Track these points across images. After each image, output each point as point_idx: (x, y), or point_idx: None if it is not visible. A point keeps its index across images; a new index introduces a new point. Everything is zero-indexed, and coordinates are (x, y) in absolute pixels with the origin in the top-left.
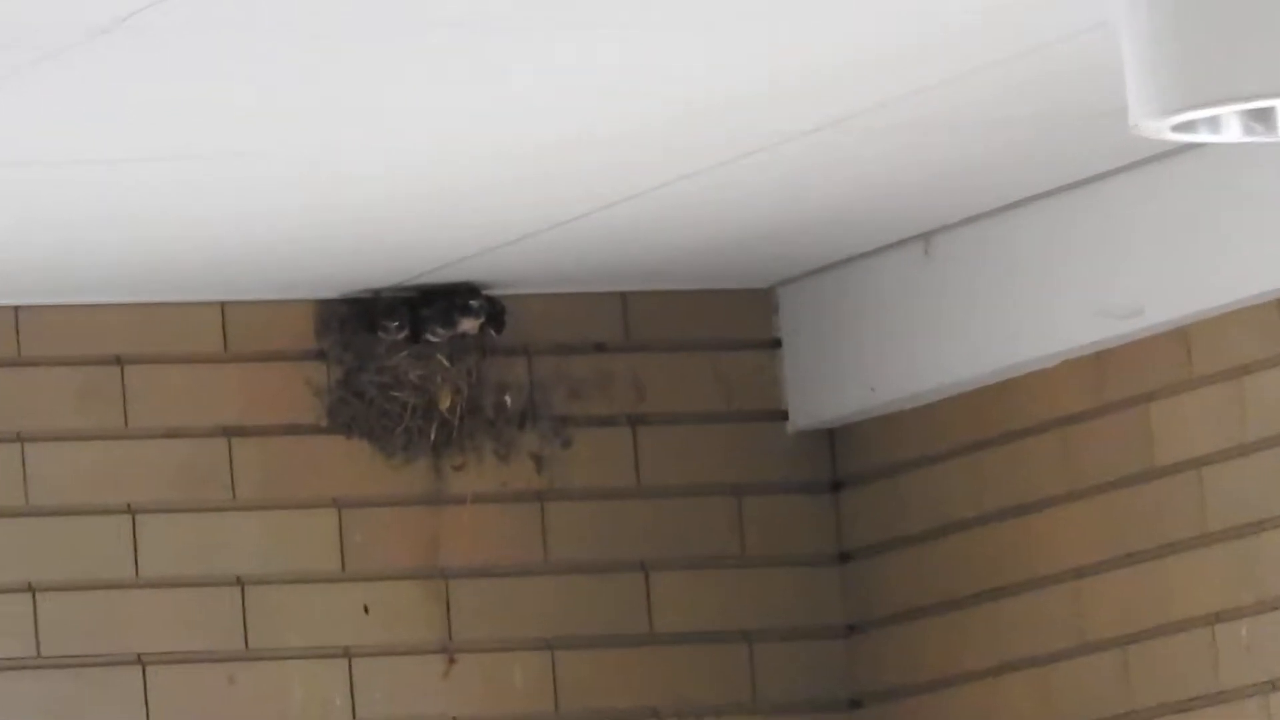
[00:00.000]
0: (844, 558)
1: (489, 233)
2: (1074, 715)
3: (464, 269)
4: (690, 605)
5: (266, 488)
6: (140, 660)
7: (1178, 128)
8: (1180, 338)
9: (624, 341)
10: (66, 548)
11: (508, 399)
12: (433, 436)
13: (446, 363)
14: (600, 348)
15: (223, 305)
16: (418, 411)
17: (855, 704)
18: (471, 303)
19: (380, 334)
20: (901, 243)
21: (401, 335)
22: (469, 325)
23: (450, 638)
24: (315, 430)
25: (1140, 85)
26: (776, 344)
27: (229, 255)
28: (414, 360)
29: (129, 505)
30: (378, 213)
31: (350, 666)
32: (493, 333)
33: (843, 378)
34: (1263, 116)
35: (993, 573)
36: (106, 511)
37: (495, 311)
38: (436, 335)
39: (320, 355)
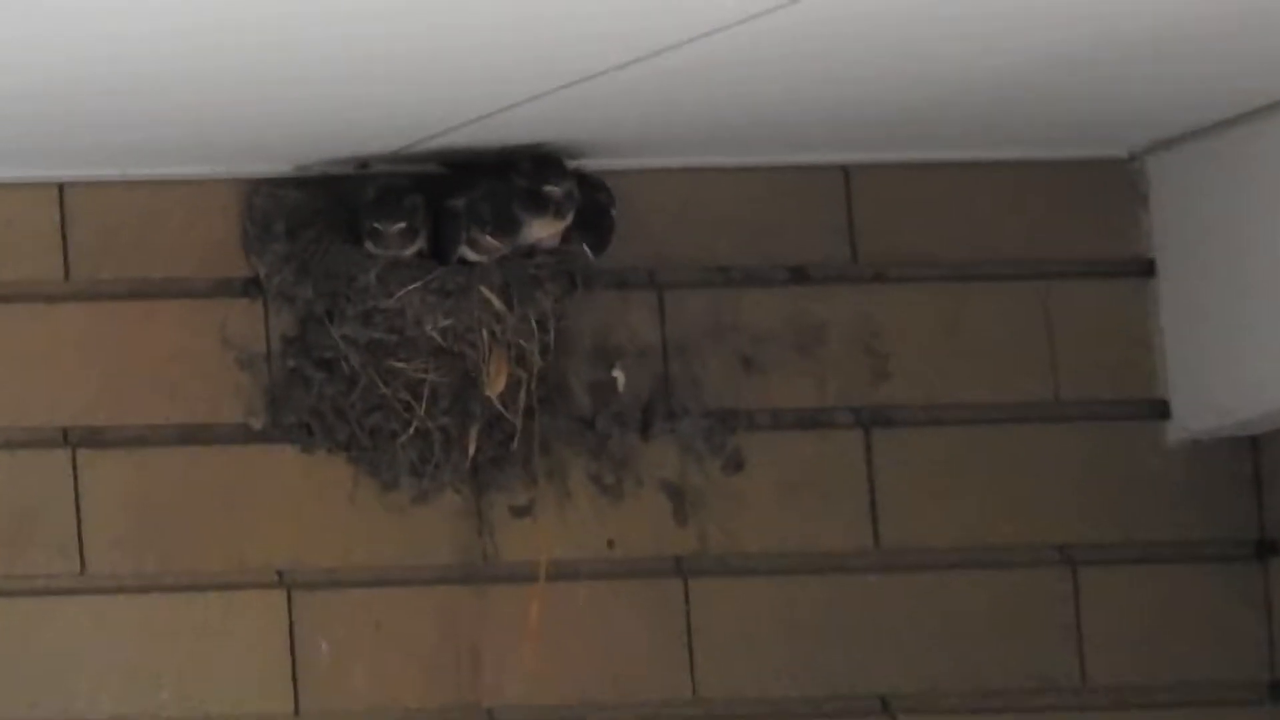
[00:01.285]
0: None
1: (577, 48)
2: None
3: (526, 119)
4: None
5: (147, 547)
6: None
7: None
8: None
9: (845, 263)
10: None
11: (618, 376)
12: (471, 450)
13: (499, 304)
14: (799, 275)
15: (60, 187)
16: (442, 401)
17: None
18: (548, 186)
19: (370, 245)
20: None
21: (411, 248)
22: (544, 229)
23: None
24: (242, 437)
25: None
26: (1148, 269)
27: (66, 87)
28: (435, 298)
29: None
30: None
31: None
32: (587, 248)
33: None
34: None
35: None
36: None
37: (594, 203)
38: (479, 249)
39: (250, 288)
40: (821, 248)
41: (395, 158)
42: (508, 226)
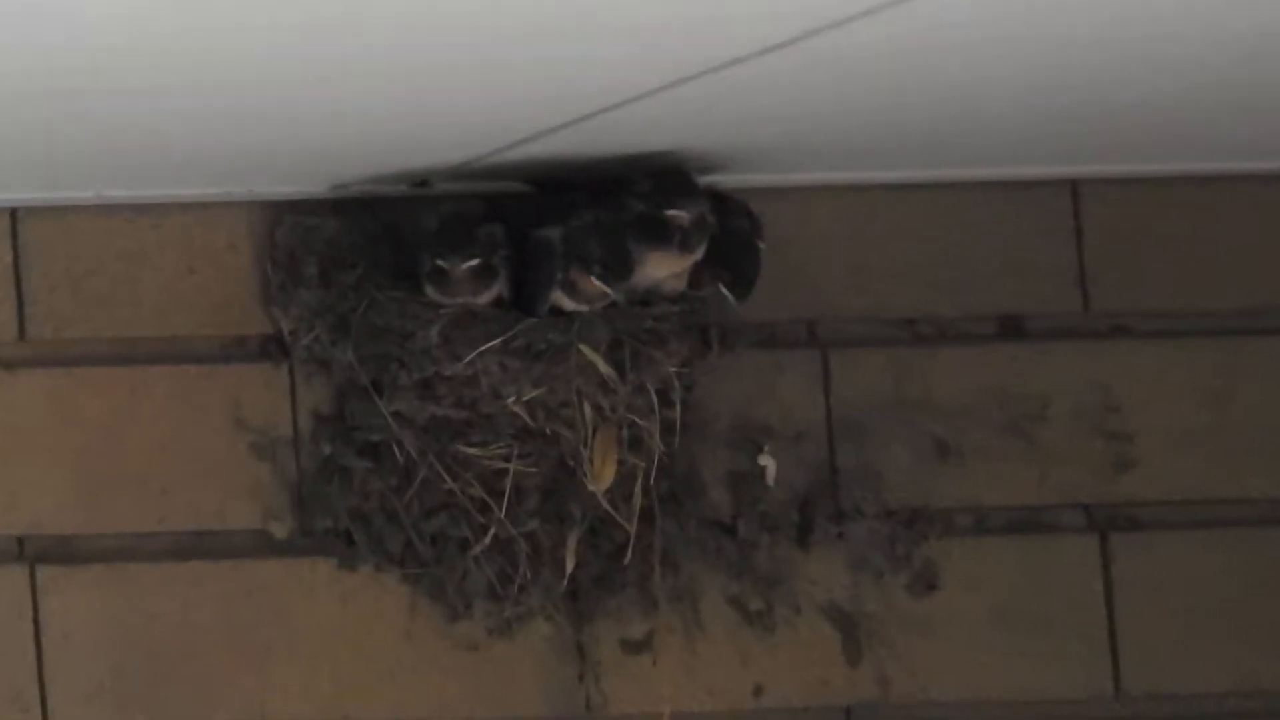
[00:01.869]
0: None
1: (706, 29)
2: None
3: (637, 121)
4: None
5: (132, 701)
6: None
7: None
8: None
9: (1073, 312)
10: None
11: (767, 465)
12: (569, 566)
13: (605, 369)
14: (1011, 329)
15: (11, 213)
16: (529, 500)
17: None
18: (672, 210)
19: (431, 290)
20: None
21: (486, 294)
22: (666, 267)
23: None
24: (260, 549)
25: None
26: None
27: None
28: (519, 362)
29: None
30: None
31: None
32: (726, 291)
33: None
34: None
35: None
36: None
37: (734, 232)
38: (579, 295)
39: (272, 349)
40: (1041, 291)
41: (463, 172)
42: (618, 265)
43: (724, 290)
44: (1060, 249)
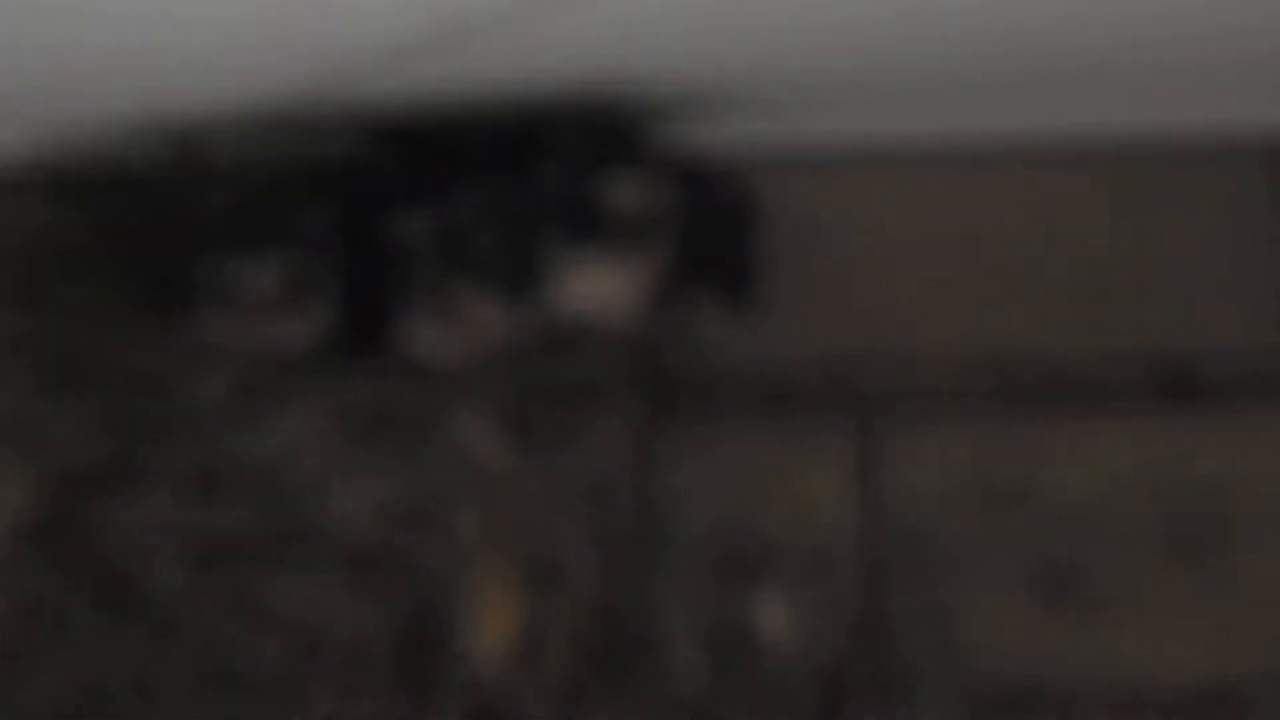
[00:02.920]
0: None
1: None
2: None
3: (558, 42)
4: None
5: None
6: None
7: None
8: None
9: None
10: None
11: (767, 613)
12: None
13: (496, 449)
14: (1177, 386)
15: None
16: (370, 672)
17: None
18: (611, 186)
19: (210, 319)
20: None
21: (301, 325)
22: (599, 282)
23: None
24: None
25: None
26: None
27: None
28: (356, 438)
29: None
30: None
31: None
32: (704, 317)
33: None
34: None
35: None
36: None
37: (710, 219)
38: (458, 326)
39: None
40: (1223, 321)
41: (271, 120)
42: (519, 277)
43: (706, 316)
44: (1255, 250)
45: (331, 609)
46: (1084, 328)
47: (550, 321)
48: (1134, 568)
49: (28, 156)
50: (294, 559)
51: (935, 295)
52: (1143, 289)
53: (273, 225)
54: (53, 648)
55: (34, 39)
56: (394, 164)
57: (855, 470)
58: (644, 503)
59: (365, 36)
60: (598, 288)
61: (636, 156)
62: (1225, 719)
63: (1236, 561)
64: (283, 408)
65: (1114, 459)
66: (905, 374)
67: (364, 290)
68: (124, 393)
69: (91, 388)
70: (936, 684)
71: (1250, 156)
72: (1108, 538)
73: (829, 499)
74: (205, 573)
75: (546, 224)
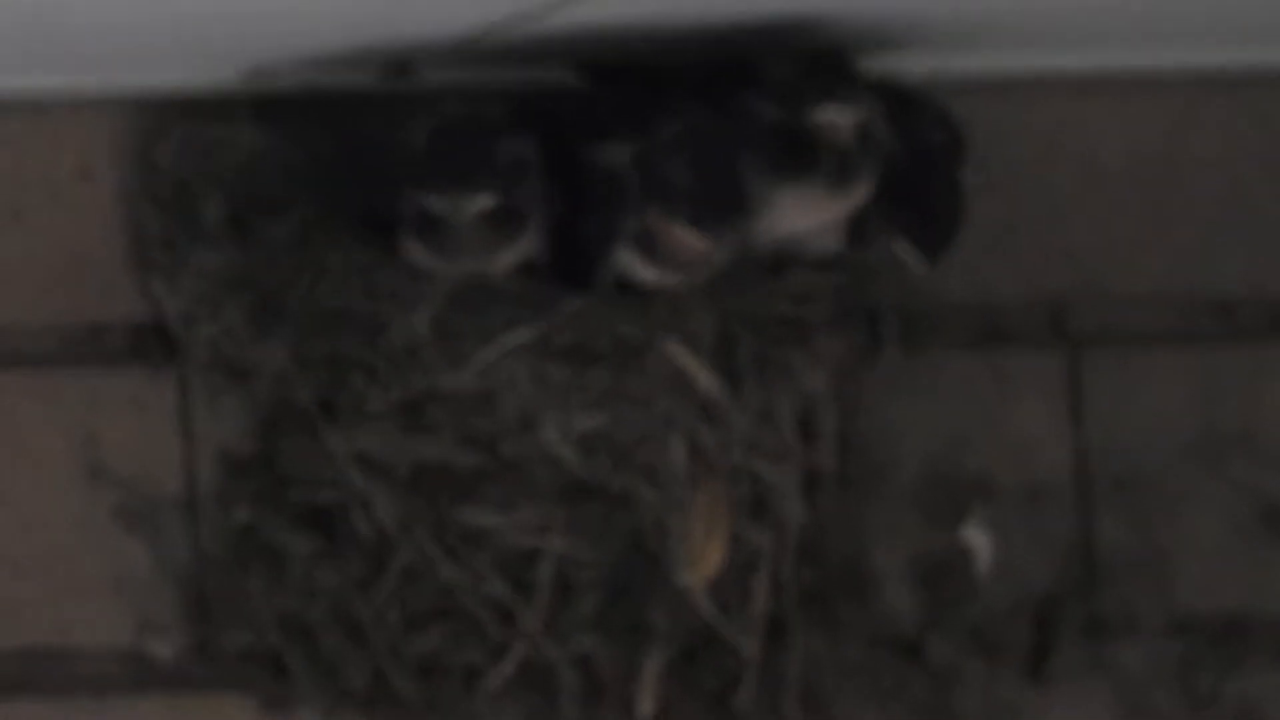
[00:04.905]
0: None
1: None
2: None
3: None
4: None
5: None
6: None
7: None
8: None
9: None
10: None
11: (977, 540)
12: (647, 707)
13: (708, 382)
14: None
15: None
16: (581, 600)
17: None
18: (822, 114)
19: (416, 249)
20: None
21: (506, 254)
22: (811, 212)
23: None
24: (132, 678)
25: None
26: None
27: None
28: (564, 370)
29: None
30: None
31: None
32: (910, 250)
33: None
34: None
35: None
36: None
37: (920, 153)
38: (663, 257)
39: (150, 346)
40: None
41: (472, 52)
42: (730, 206)
43: (905, 252)
44: None
45: (542, 541)
46: None
47: (757, 252)
48: None
49: (240, 89)
50: (501, 494)
51: (1146, 228)
52: None
53: (474, 160)
54: (258, 581)
55: None
56: (599, 94)
57: (1069, 407)
58: (853, 436)
59: None
60: (804, 220)
61: (847, 89)
62: None
63: None
64: (487, 340)
65: None
66: (1119, 312)
67: (569, 220)
68: (333, 327)
69: (302, 320)
70: (1149, 618)
71: None
72: None
73: (1040, 435)
74: (417, 504)
75: (756, 154)
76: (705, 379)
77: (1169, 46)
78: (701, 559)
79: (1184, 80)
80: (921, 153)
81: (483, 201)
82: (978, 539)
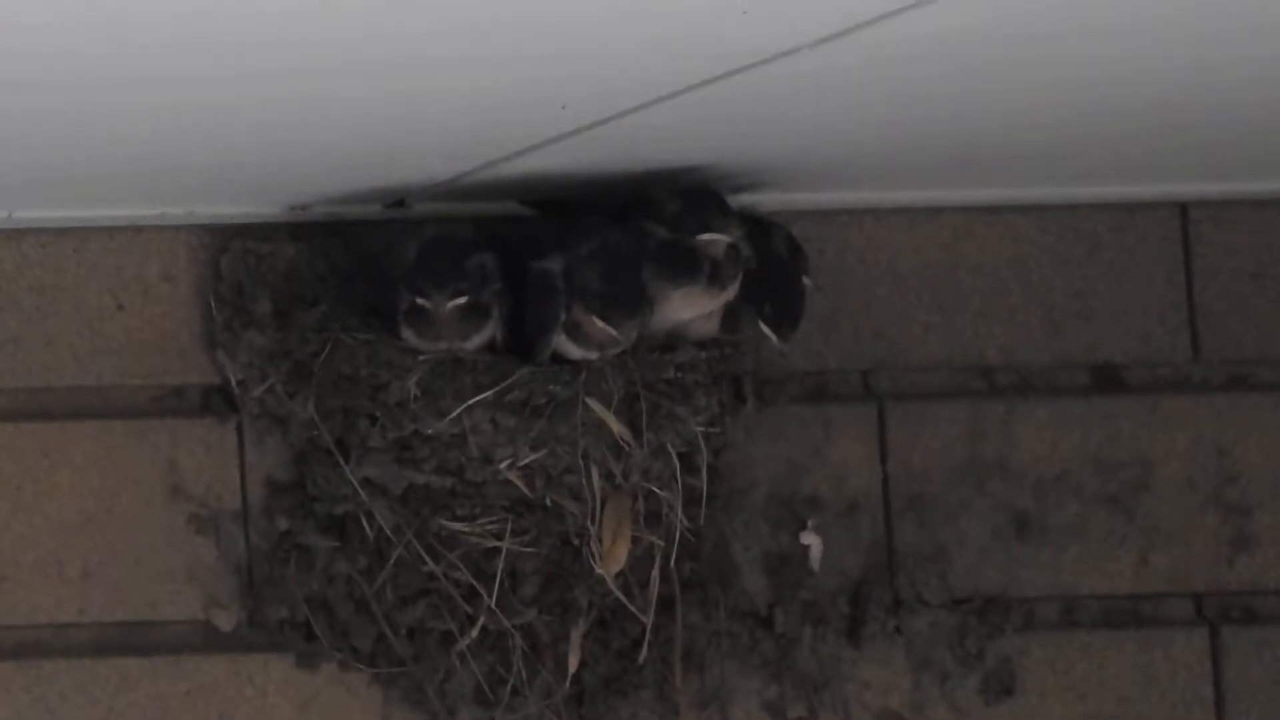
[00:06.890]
0: None
1: (735, 23)
2: None
3: (654, 130)
4: None
5: None
6: None
7: None
8: None
9: (1181, 361)
10: None
11: (812, 544)
12: (573, 665)
13: (618, 428)
14: (1107, 380)
15: None
16: (526, 585)
17: None
18: (703, 235)
19: (409, 333)
20: None
21: (475, 338)
22: (694, 306)
23: None
24: (200, 643)
25: None
26: None
27: None
28: (515, 420)
29: None
30: None
31: None
32: (768, 331)
33: None
34: None
35: None
36: None
37: (774, 263)
38: (586, 340)
39: (216, 402)
40: (1142, 335)
41: (449, 191)
42: (632, 303)
43: (765, 330)
44: (1166, 284)
45: (498, 540)
46: (1040, 342)
47: (652, 335)
48: (1076, 516)
49: (282, 218)
50: (468, 507)
51: (931, 314)
52: (1084, 313)
53: (451, 268)
54: (293, 570)
55: (284, 133)
56: (540, 221)
57: (877, 445)
58: (721, 466)
59: (521, 130)
60: (687, 313)
61: (720, 217)
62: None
63: (1153, 510)
64: (459, 398)
65: (1065, 439)
66: (912, 376)
67: (519, 312)
68: (347, 388)
69: (325, 383)
70: (934, 597)
71: (1169, 211)
72: (1059, 494)
73: (855, 464)
74: (408, 513)
75: (653, 264)
76: (616, 425)
77: (945, 184)
78: (611, 555)
79: (957, 208)
80: (774, 262)
81: (458, 299)
82: (811, 540)
